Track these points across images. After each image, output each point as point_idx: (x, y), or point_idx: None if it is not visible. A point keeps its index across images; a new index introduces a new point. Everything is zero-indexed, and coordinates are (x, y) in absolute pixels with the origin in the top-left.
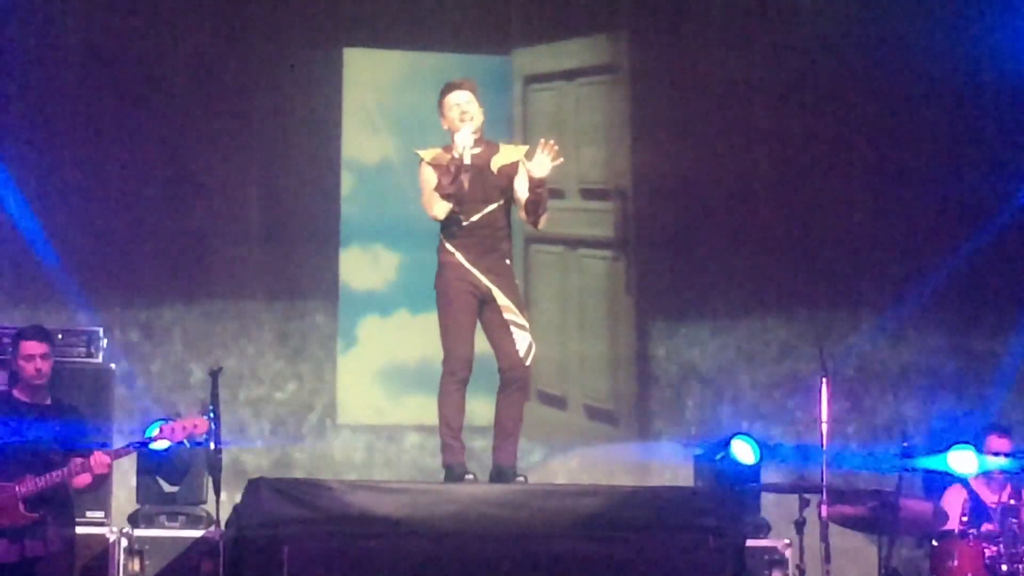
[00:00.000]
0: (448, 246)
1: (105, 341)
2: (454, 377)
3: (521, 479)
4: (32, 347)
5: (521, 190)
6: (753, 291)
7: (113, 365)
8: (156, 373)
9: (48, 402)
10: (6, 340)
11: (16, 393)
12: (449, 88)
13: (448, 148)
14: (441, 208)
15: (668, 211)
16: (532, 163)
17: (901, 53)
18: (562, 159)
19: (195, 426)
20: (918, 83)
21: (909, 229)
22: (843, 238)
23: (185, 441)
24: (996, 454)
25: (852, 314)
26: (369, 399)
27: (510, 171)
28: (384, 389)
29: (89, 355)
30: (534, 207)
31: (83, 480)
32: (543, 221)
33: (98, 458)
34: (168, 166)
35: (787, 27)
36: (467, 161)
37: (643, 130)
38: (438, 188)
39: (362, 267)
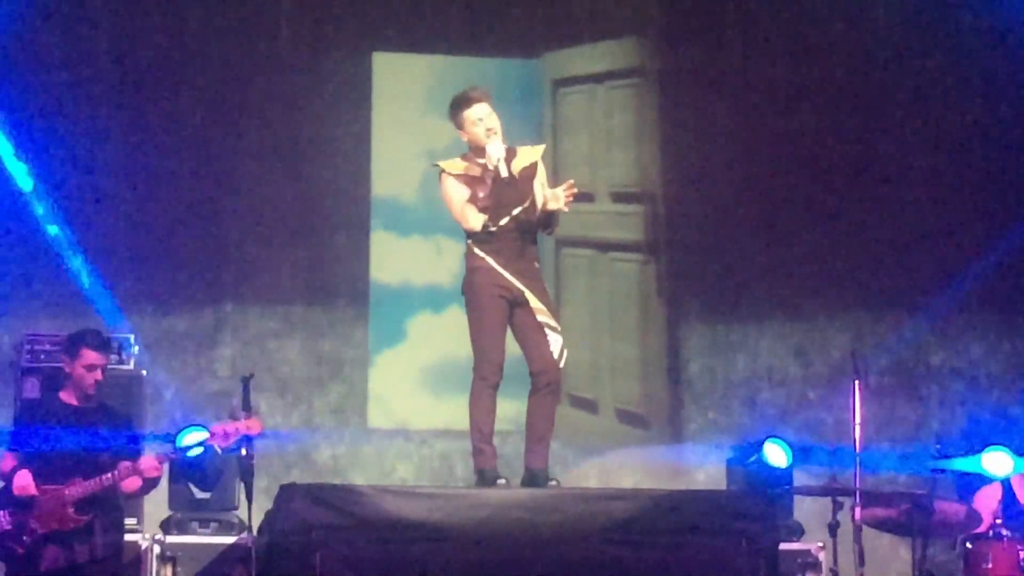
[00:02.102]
0: (478, 251)
1: (136, 348)
2: (486, 382)
3: (553, 483)
4: (96, 358)
5: (539, 192)
6: (784, 293)
7: (144, 371)
8: (187, 379)
9: (94, 405)
10: (38, 348)
11: (63, 396)
12: (467, 102)
13: (467, 157)
14: (478, 220)
15: (698, 214)
16: (550, 193)
17: (930, 54)
18: (567, 210)
19: (248, 428)
20: (951, 84)
21: (941, 230)
22: (874, 240)
23: (234, 443)
24: None
25: (885, 316)
26: (408, 401)
27: (530, 173)
28: (427, 390)
29: (120, 361)
30: (545, 221)
31: (132, 484)
32: (555, 230)
33: (147, 461)
34: (198, 172)
35: (815, 30)
36: (504, 174)
37: (673, 133)
38: (473, 200)
39: (425, 259)
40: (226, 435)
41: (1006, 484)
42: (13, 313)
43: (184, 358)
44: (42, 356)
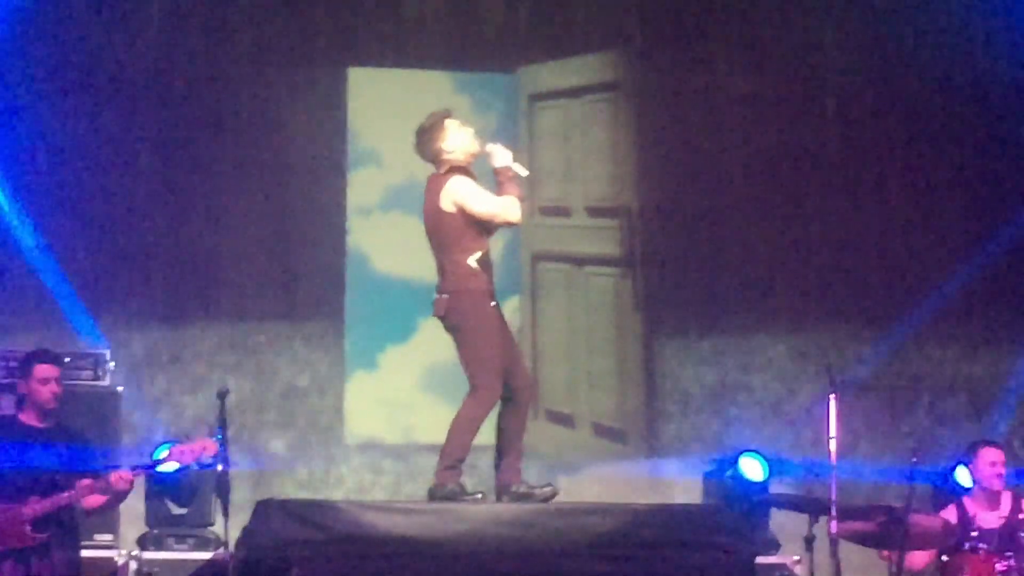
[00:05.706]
0: (481, 273)
1: (112, 364)
2: (490, 406)
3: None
4: (47, 370)
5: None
6: (760, 307)
7: (120, 388)
8: (163, 395)
9: (52, 425)
10: (12, 364)
11: (22, 417)
12: (439, 119)
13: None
14: (519, 211)
15: (674, 228)
16: (493, 153)
17: (911, 65)
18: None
19: (204, 448)
20: (926, 98)
21: (915, 244)
22: (850, 254)
23: (193, 463)
24: (993, 464)
25: (860, 329)
26: (385, 415)
27: None
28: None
29: (96, 378)
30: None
31: (95, 501)
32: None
33: (120, 473)
34: (174, 188)
35: (793, 43)
36: (524, 173)
37: (649, 147)
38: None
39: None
40: (182, 454)
41: (962, 506)
42: None
43: (160, 374)
44: (18, 373)
